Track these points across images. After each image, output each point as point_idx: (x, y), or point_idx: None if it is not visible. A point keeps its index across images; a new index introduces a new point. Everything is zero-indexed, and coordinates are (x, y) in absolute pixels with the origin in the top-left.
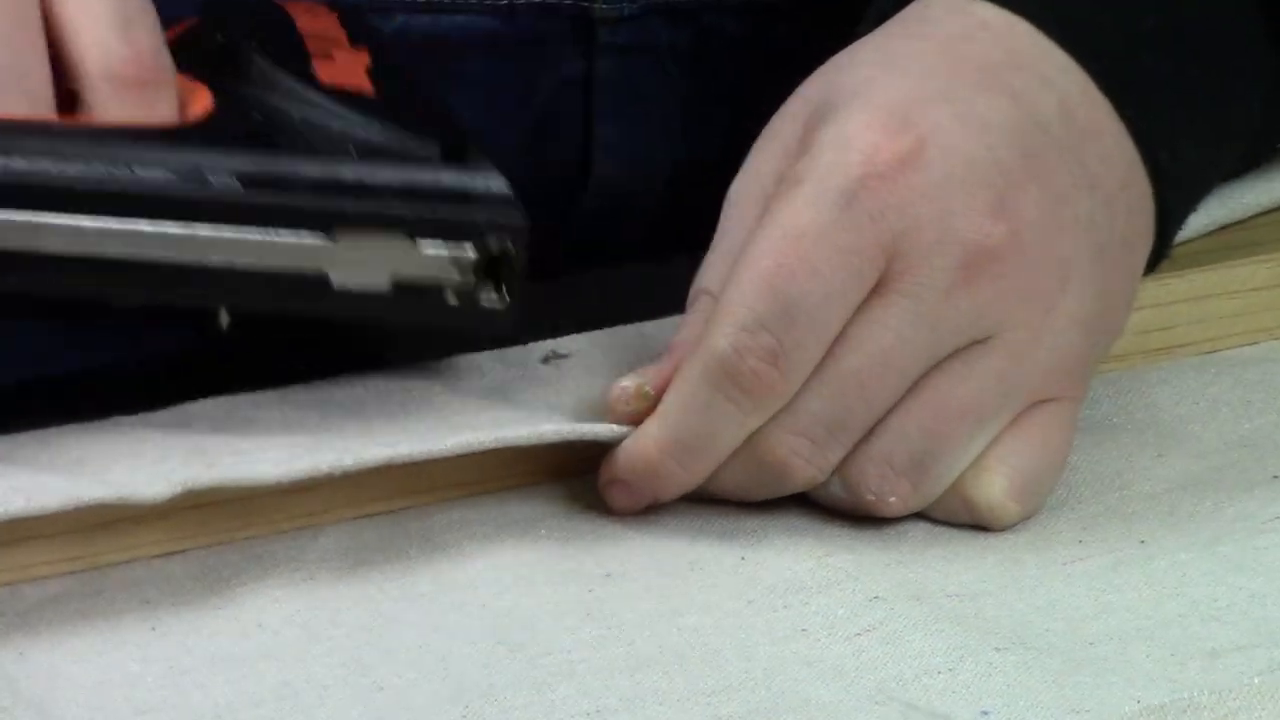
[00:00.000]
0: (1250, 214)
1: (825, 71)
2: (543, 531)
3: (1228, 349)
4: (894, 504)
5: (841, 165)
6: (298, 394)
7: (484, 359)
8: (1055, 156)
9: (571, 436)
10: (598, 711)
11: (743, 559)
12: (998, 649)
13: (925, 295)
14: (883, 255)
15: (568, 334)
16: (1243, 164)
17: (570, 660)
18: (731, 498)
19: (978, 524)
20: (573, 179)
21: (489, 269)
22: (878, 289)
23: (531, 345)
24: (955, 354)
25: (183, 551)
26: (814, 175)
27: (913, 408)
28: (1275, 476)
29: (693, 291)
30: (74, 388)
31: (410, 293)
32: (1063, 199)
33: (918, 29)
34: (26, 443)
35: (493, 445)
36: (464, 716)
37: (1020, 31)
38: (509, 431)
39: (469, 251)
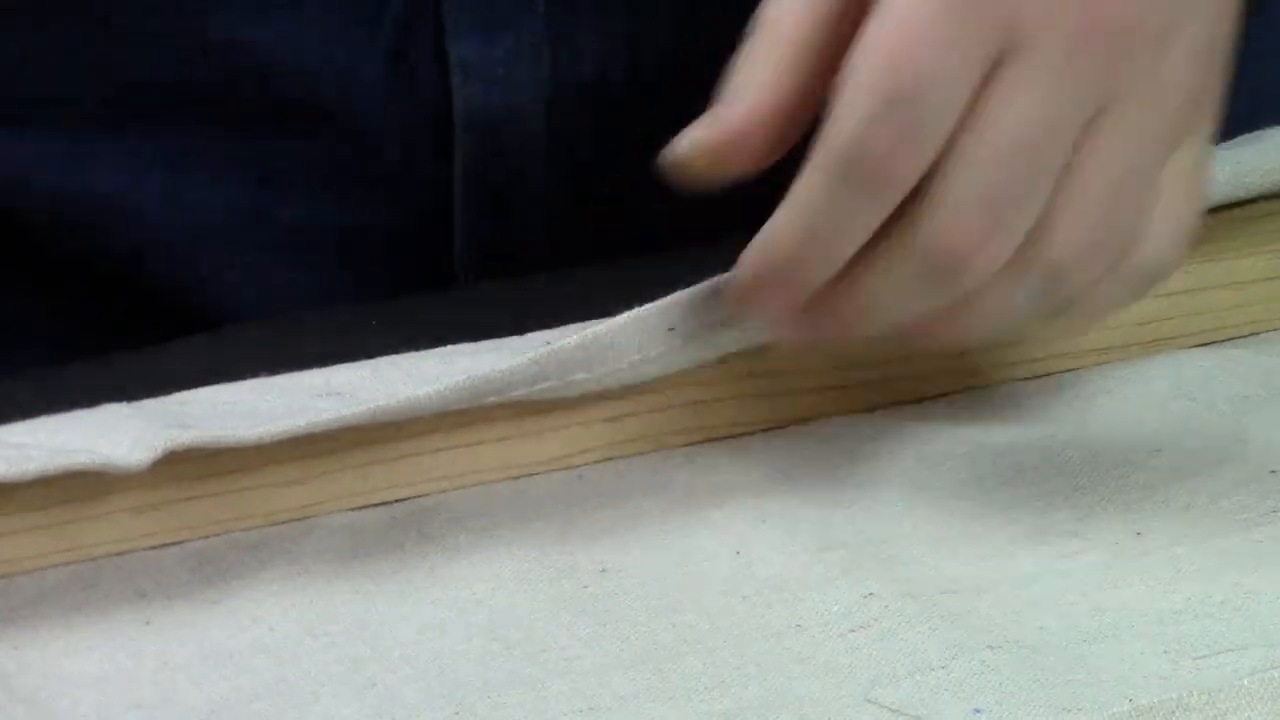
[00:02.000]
0: (1253, 195)
1: None
2: (538, 526)
3: (1227, 341)
4: (1102, 296)
5: None
6: (290, 380)
7: (484, 346)
8: None
9: (539, 356)
10: (591, 709)
11: (738, 554)
12: (991, 646)
13: (1050, 58)
14: (999, 29)
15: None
16: None
17: (564, 657)
18: (915, 333)
19: (1145, 286)
20: (443, 116)
21: None
22: (1001, 62)
23: (529, 335)
24: (1098, 121)
25: (179, 543)
26: None
27: (1085, 185)
28: (1272, 471)
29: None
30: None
31: None
32: None
33: None
34: (14, 432)
35: (464, 381)
36: (457, 713)
37: None
38: (486, 367)
39: None
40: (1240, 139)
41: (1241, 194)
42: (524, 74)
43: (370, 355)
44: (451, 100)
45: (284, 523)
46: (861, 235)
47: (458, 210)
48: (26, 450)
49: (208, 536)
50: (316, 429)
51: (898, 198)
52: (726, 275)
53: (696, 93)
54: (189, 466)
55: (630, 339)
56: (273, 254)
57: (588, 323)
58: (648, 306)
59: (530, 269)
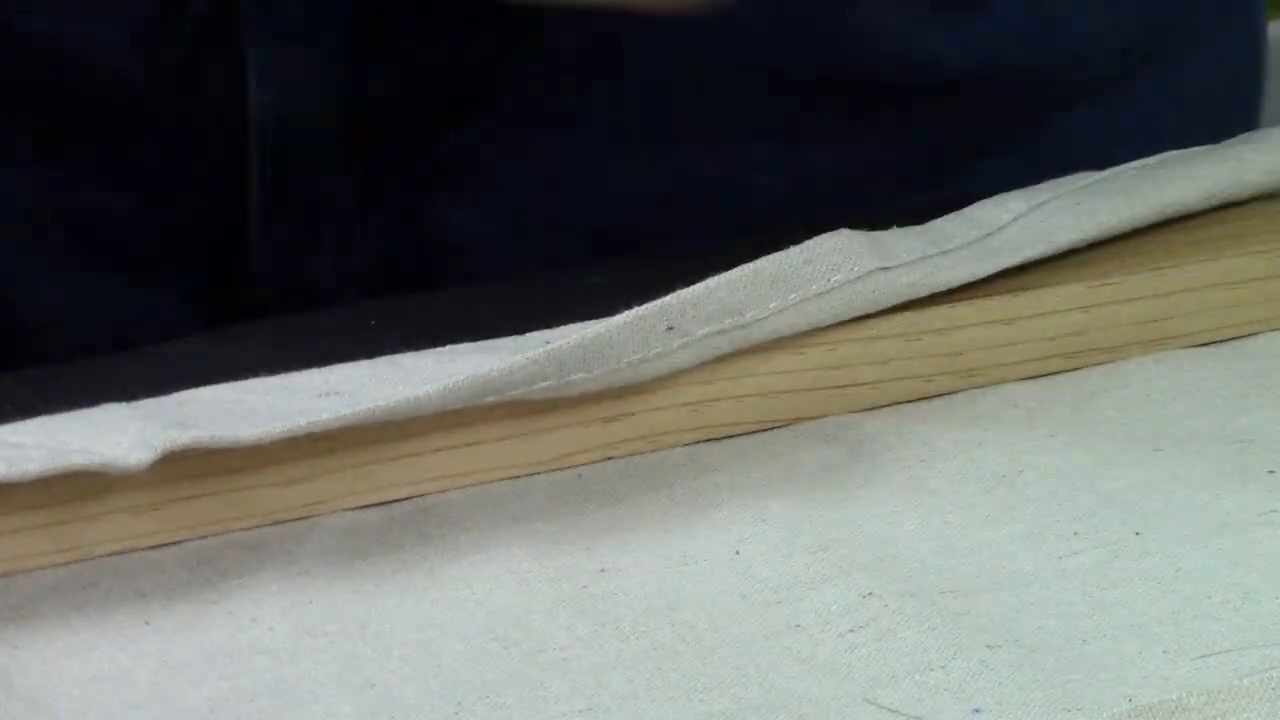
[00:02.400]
0: (1253, 195)
1: None
2: (538, 526)
3: (1224, 341)
4: None
5: None
6: (289, 380)
7: (484, 346)
8: None
9: (538, 356)
10: (590, 709)
11: (737, 553)
12: (990, 646)
13: None
14: None
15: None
16: None
17: (564, 657)
18: None
19: None
20: (239, 120)
21: None
22: None
23: (528, 335)
24: None
25: (178, 543)
26: None
27: None
28: (1271, 471)
29: None
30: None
31: None
32: None
33: None
34: (14, 432)
35: (463, 381)
36: (456, 713)
37: None
38: (485, 367)
39: None
40: (1240, 138)
41: (1242, 194)
42: (318, 85)
43: (370, 355)
44: (247, 104)
45: (284, 523)
46: None
47: (253, 216)
48: (26, 450)
49: (207, 536)
50: (316, 429)
51: None
52: (726, 274)
53: (498, 115)
54: (189, 466)
55: (629, 339)
56: (73, 253)
57: (587, 322)
58: (647, 306)
59: (323, 283)
